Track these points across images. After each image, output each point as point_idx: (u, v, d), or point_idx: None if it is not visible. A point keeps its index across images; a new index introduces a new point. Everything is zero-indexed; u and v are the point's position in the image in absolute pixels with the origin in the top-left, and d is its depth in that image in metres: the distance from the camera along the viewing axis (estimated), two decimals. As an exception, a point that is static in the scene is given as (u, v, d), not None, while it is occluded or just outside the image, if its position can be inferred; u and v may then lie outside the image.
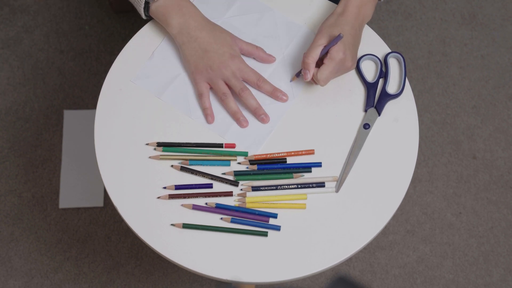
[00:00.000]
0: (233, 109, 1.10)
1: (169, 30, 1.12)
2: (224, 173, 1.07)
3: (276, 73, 1.14)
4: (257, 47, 1.13)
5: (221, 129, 1.10)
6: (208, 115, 1.10)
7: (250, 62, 1.14)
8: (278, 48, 1.15)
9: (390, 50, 1.15)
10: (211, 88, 1.12)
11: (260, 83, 1.11)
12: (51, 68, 1.80)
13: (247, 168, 1.07)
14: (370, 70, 1.15)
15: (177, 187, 1.05)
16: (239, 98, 1.10)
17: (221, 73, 1.09)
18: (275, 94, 1.11)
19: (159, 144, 1.08)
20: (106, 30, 1.84)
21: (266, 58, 1.13)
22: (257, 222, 1.03)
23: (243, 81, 1.11)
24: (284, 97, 1.11)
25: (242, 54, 1.13)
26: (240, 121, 1.10)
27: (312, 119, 1.11)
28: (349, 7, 1.10)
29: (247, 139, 1.09)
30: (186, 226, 1.03)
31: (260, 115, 1.10)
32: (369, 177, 1.07)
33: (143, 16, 1.13)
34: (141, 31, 1.16)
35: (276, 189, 1.06)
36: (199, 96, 1.11)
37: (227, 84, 1.10)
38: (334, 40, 1.06)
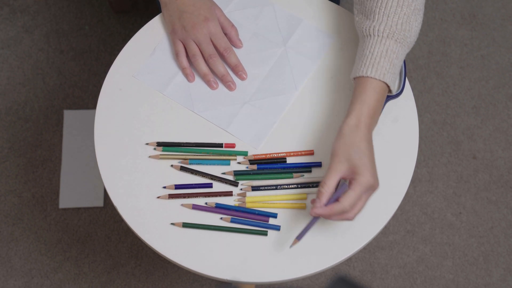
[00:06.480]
0: (203, 71, 1.12)
1: None
2: (224, 173, 1.07)
3: (276, 68, 1.14)
4: (233, 25, 1.15)
5: (224, 122, 1.10)
6: (188, 75, 1.12)
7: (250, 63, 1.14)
8: (279, 41, 1.15)
9: (390, 50, 1.15)
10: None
11: (226, 53, 1.12)
12: (51, 68, 1.80)
13: (247, 168, 1.07)
14: (370, 70, 1.15)
15: (177, 187, 1.05)
16: (207, 63, 1.12)
17: (193, 34, 1.11)
18: (237, 69, 1.12)
19: (159, 144, 1.08)
20: (106, 30, 1.84)
21: (234, 40, 1.15)
22: (257, 222, 1.03)
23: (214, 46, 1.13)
24: (244, 76, 1.13)
25: None
26: (211, 83, 1.12)
27: (312, 119, 1.10)
28: (362, 118, 0.99)
29: (249, 133, 1.09)
30: (186, 225, 1.02)
31: (227, 82, 1.12)
32: (369, 177, 1.07)
33: None
34: (141, 31, 1.16)
35: (276, 189, 1.06)
36: (176, 55, 1.13)
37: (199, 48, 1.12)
38: (340, 189, 0.96)
